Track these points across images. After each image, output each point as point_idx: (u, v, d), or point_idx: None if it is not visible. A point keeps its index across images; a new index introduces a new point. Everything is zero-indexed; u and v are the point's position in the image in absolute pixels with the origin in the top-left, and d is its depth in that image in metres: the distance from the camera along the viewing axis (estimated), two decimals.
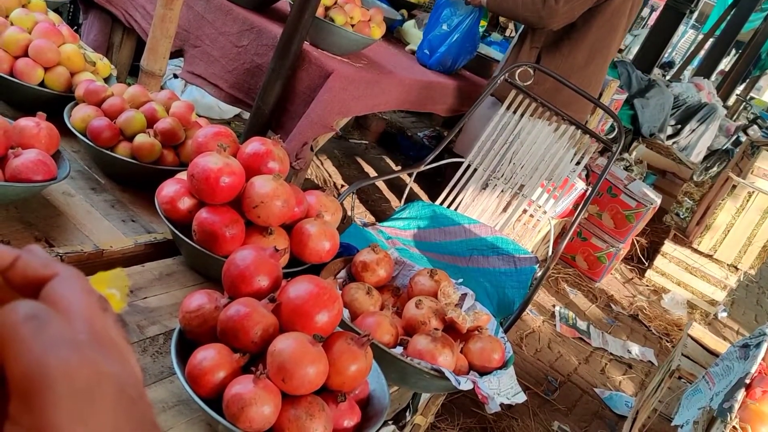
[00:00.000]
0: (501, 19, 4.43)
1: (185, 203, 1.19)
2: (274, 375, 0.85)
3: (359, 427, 0.98)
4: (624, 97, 4.91)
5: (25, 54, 1.44)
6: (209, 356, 0.86)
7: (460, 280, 1.47)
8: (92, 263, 1.17)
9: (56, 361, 0.27)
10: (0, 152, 1.12)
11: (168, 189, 1.20)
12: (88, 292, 0.33)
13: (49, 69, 1.47)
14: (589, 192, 2.22)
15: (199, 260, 1.21)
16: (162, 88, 1.99)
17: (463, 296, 1.39)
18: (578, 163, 2.39)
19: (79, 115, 1.37)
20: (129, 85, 1.52)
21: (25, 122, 1.18)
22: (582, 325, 3.57)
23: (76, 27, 2.74)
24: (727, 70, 12.87)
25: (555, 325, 3.45)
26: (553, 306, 3.64)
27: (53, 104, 1.44)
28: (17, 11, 1.50)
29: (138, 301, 1.13)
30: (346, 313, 1.20)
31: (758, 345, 1.95)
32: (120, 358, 0.31)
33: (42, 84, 1.47)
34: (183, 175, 1.28)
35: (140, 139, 1.35)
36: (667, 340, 3.84)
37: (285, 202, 1.19)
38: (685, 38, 21.38)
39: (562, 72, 2.63)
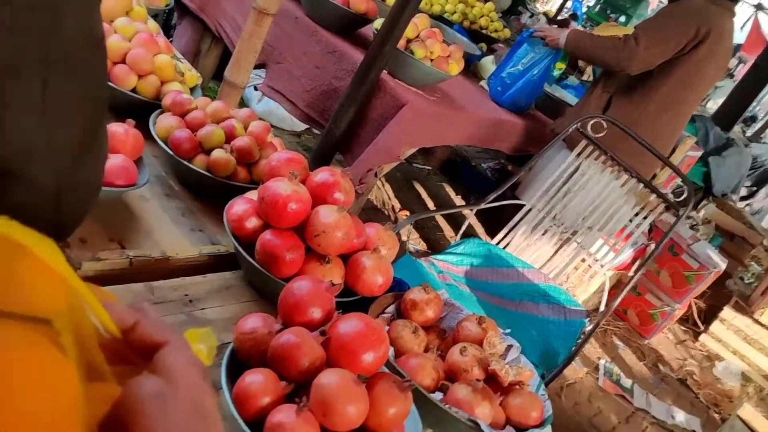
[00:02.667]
0: (580, 63, 4.39)
1: (252, 223, 1.24)
2: (315, 408, 0.87)
3: None
4: (699, 154, 4.77)
5: (123, 61, 1.54)
6: (257, 381, 0.89)
7: (508, 330, 1.47)
8: (157, 268, 1.24)
9: None
10: None
11: (237, 207, 1.26)
12: (193, 363, 0.38)
13: (142, 77, 1.56)
14: (651, 250, 2.17)
15: (258, 278, 1.26)
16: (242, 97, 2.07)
17: (509, 347, 1.38)
18: (645, 218, 2.34)
19: (163, 124, 1.44)
20: (210, 89, 1.59)
21: (116, 128, 1.26)
22: (626, 382, 3.47)
23: (171, 29, 2.88)
24: None
25: (598, 378, 3.37)
26: (598, 359, 3.55)
27: (141, 110, 1.53)
28: (121, 20, 1.60)
29: (196, 312, 1.17)
30: (391, 351, 1.21)
31: None
32: (212, 428, 0.36)
33: (134, 90, 1.56)
34: (252, 194, 1.33)
35: (217, 153, 1.41)
36: (715, 411, 3.68)
37: (345, 234, 1.22)
38: None
39: (630, 121, 2.58)
